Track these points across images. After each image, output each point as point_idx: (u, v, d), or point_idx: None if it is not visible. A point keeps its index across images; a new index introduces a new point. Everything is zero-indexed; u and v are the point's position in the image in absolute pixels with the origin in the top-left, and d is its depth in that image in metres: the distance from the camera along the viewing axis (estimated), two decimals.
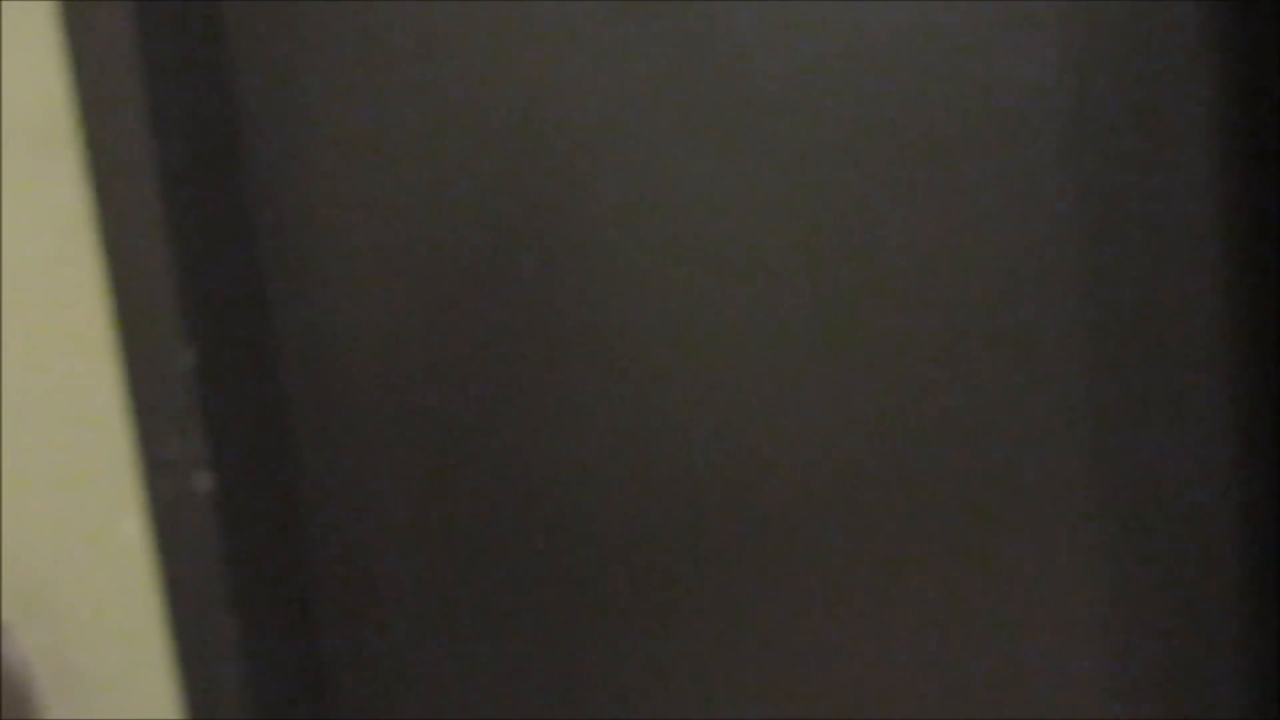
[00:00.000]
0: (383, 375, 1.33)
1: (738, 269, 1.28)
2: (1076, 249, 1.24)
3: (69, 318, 1.21)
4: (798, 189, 1.26)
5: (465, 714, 1.40)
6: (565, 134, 1.27)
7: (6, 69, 1.18)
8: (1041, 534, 1.30)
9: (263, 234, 1.31)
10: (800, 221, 1.26)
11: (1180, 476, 1.28)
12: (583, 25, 1.25)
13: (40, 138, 1.19)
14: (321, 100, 1.28)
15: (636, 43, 1.25)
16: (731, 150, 1.26)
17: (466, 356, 1.32)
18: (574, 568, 1.35)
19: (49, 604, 1.27)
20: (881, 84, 1.23)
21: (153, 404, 1.20)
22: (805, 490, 1.31)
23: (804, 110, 1.24)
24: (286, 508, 1.35)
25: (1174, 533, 1.29)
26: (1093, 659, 1.32)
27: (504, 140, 1.28)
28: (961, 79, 1.22)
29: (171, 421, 1.21)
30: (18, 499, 1.26)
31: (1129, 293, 1.25)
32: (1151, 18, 1.20)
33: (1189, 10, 1.19)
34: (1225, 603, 1.30)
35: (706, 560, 1.34)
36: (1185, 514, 1.29)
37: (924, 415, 1.29)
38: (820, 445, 1.30)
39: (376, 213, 1.30)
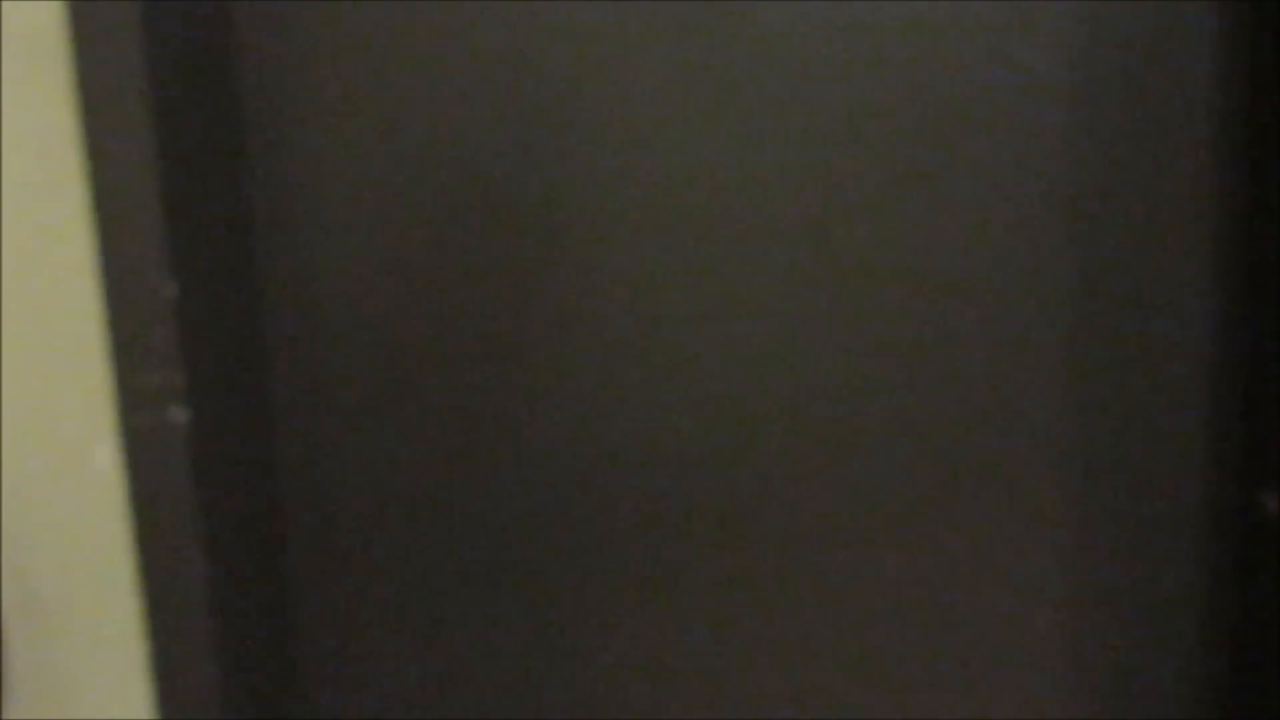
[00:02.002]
0: (365, 316, 1.32)
1: (737, 256, 1.28)
2: (1071, 245, 1.25)
3: (52, 243, 1.20)
4: (795, 181, 1.26)
5: (433, 652, 1.40)
6: (566, 115, 1.26)
7: None
8: (1017, 523, 1.31)
9: (252, 167, 1.30)
10: (797, 212, 1.26)
11: (1155, 478, 1.29)
12: (590, 15, 1.24)
13: (29, 58, 1.17)
14: (322, 32, 1.27)
15: (644, 32, 1.24)
16: (733, 138, 1.25)
17: (455, 304, 1.32)
18: (556, 527, 1.36)
19: (19, 532, 1.27)
20: (882, 79, 1.23)
21: (132, 334, 1.19)
22: (791, 477, 1.32)
23: (800, 104, 1.24)
24: (262, 444, 1.35)
25: (1145, 534, 1.30)
26: (1055, 652, 1.33)
27: (506, 100, 1.27)
28: (964, 74, 1.22)
29: (150, 352, 1.20)
30: None
31: (1121, 291, 1.26)
32: (1154, 13, 1.20)
33: (1192, 6, 1.19)
34: (1189, 604, 1.32)
35: (695, 550, 1.34)
36: (1157, 516, 1.30)
37: (915, 404, 1.29)
38: (808, 432, 1.31)
39: (371, 153, 1.29)
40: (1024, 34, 1.21)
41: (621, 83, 1.25)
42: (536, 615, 1.38)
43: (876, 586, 1.34)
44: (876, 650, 1.35)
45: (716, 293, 1.29)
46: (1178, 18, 1.20)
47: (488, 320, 1.31)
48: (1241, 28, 1.19)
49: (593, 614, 1.37)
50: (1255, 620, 1.28)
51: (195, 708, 1.27)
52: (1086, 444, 1.29)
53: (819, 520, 1.33)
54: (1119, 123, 1.22)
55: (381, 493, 1.36)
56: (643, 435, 1.32)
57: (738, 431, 1.32)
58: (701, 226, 1.28)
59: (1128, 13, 1.20)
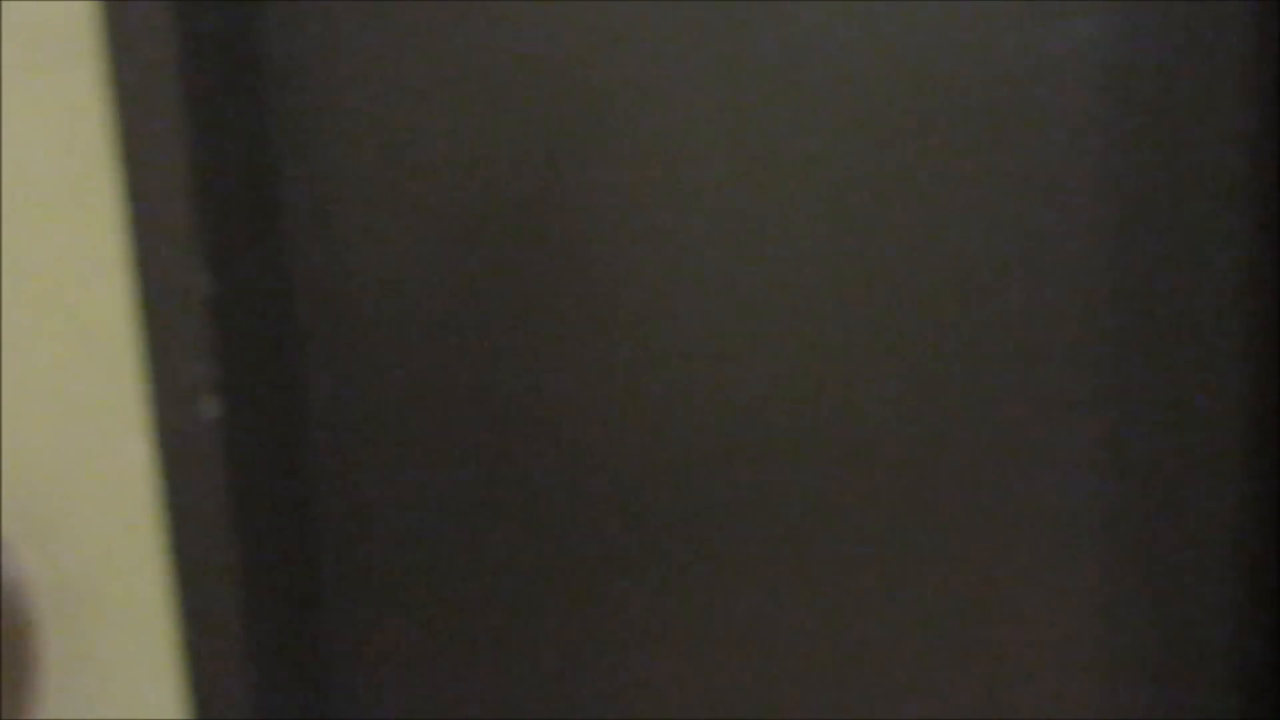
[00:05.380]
0: (397, 311, 1.33)
1: (760, 256, 1.28)
2: (1103, 240, 1.24)
3: (85, 238, 1.21)
4: (819, 176, 1.25)
5: (462, 638, 1.41)
6: (591, 115, 1.26)
7: None
8: (1045, 529, 1.30)
9: (285, 163, 1.30)
10: (823, 208, 1.26)
11: (1189, 481, 1.28)
12: (616, 18, 1.24)
13: (62, 53, 1.18)
14: (353, 29, 1.27)
15: (668, 32, 1.24)
16: (756, 136, 1.25)
17: (485, 299, 1.32)
18: (586, 520, 1.36)
19: (51, 524, 1.27)
20: (910, 73, 1.22)
21: (165, 329, 1.20)
22: (810, 479, 1.32)
23: (825, 97, 1.24)
24: (294, 437, 1.35)
25: (1180, 538, 1.30)
26: (1088, 658, 1.33)
27: (533, 94, 1.27)
28: (993, 66, 1.21)
29: (183, 347, 1.20)
30: (25, 418, 1.25)
31: (1151, 290, 1.25)
32: (1188, 6, 1.19)
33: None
34: (1225, 609, 1.31)
35: (713, 554, 1.34)
36: (1192, 520, 1.29)
37: (936, 404, 1.29)
38: (829, 432, 1.30)
39: (401, 150, 1.29)
40: (1054, 25, 1.21)
41: (647, 82, 1.25)
42: (566, 607, 1.38)
43: (904, 590, 1.33)
44: (901, 654, 1.35)
45: (742, 292, 1.29)
46: (1211, 5, 1.19)
47: (517, 315, 1.32)
48: (1277, 20, 1.18)
49: (616, 606, 1.37)
50: None
51: (227, 699, 1.28)
52: (1120, 448, 1.28)
53: (842, 521, 1.33)
54: (1152, 114, 1.22)
55: (412, 485, 1.37)
56: (670, 431, 1.32)
57: (764, 435, 1.31)
58: (726, 225, 1.27)
59: (1163, 5, 1.19)
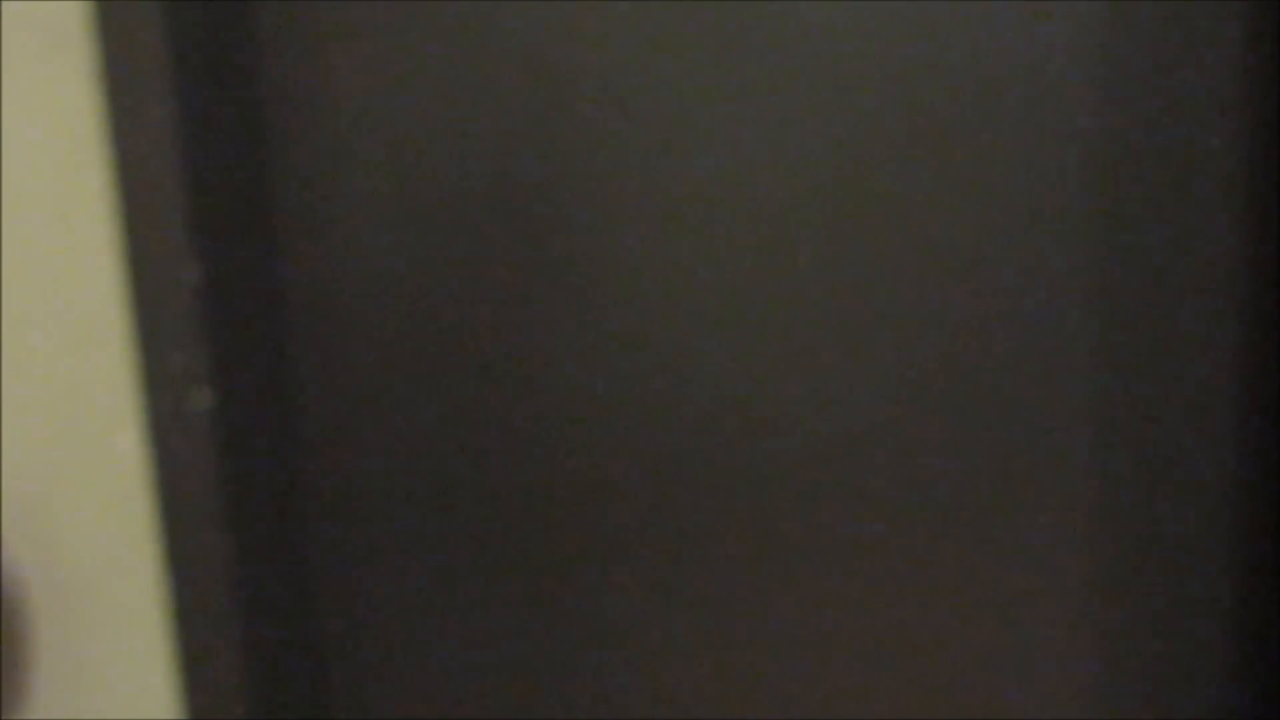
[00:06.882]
0: (387, 302, 1.33)
1: (752, 249, 1.27)
2: (1096, 241, 1.24)
3: (75, 228, 1.21)
4: (815, 176, 1.25)
5: (454, 631, 1.41)
6: (588, 113, 1.26)
7: None
8: (1040, 528, 1.30)
9: (275, 153, 1.30)
10: (819, 208, 1.26)
11: (1186, 480, 1.28)
12: (615, 15, 1.24)
13: (52, 42, 1.18)
14: (346, 19, 1.27)
15: (669, 33, 1.24)
16: (751, 137, 1.25)
17: (476, 293, 1.32)
18: (578, 512, 1.36)
19: (43, 516, 1.27)
20: (905, 67, 1.22)
21: (155, 318, 1.20)
22: (812, 479, 1.32)
23: (820, 95, 1.23)
24: (284, 428, 1.35)
25: (1172, 533, 1.30)
26: (1084, 653, 1.33)
27: (530, 85, 1.27)
28: (987, 61, 1.21)
29: (173, 337, 1.20)
30: (16, 409, 1.25)
31: (1148, 287, 1.25)
32: (1181, 8, 1.19)
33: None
34: (1220, 602, 1.31)
35: (710, 551, 1.34)
36: (1185, 514, 1.29)
37: (929, 400, 1.29)
38: (825, 427, 1.30)
39: (393, 141, 1.29)
40: (1052, 23, 1.20)
41: (646, 83, 1.25)
42: (563, 600, 1.38)
43: (898, 587, 1.33)
44: (897, 652, 1.35)
45: (738, 291, 1.29)
46: (1209, 3, 1.18)
47: (509, 309, 1.31)
48: (1272, 21, 1.18)
49: (613, 600, 1.37)
50: None
51: (219, 693, 1.28)
52: (1113, 446, 1.28)
53: (836, 521, 1.32)
54: (1149, 113, 1.21)
55: (403, 476, 1.37)
56: (666, 428, 1.32)
57: (761, 437, 1.31)
58: (723, 226, 1.27)
59: (1156, 5, 1.19)
